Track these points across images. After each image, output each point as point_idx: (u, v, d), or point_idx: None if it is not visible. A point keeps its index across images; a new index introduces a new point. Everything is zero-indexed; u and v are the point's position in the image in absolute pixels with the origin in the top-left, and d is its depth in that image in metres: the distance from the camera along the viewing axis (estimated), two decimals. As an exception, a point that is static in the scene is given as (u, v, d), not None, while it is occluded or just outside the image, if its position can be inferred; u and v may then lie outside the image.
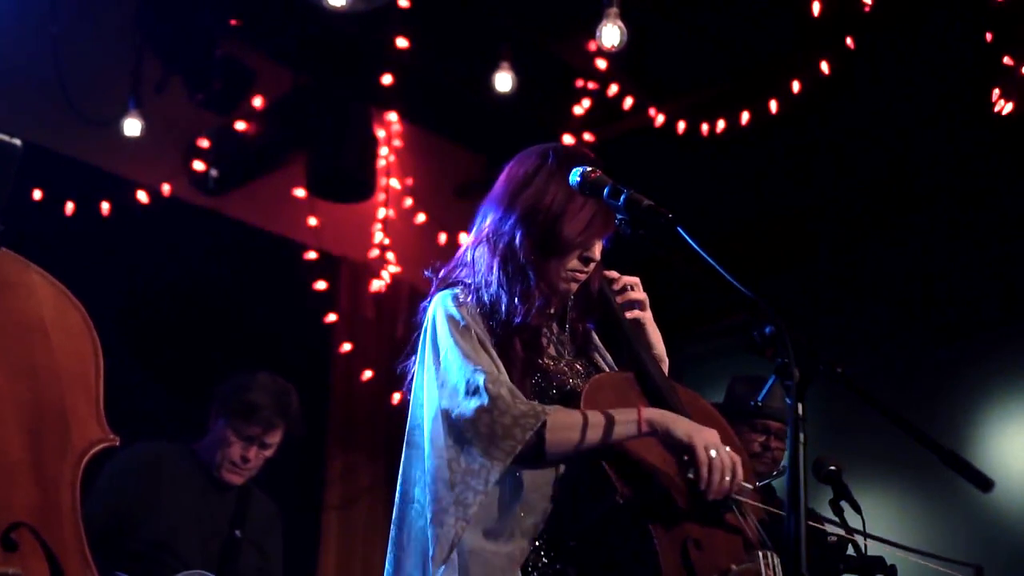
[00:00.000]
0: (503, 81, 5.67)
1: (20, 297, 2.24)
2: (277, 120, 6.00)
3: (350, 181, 6.18)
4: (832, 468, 3.72)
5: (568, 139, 5.93)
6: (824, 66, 5.52)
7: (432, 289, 2.51)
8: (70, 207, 5.48)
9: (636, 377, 2.49)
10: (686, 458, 2.26)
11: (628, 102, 5.98)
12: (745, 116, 5.85)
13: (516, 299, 2.38)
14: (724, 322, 6.88)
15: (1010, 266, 6.24)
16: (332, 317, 6.31)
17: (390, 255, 6.35)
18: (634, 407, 2.35)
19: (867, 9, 5.25)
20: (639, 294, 2.63)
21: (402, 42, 5.66)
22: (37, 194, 5.26)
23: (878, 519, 3.76)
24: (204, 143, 5.85)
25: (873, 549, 3.50)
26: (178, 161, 5.85)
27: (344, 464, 6.42)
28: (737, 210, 6.58)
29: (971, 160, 6.07)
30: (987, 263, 6.36)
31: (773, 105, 5.72)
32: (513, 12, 5.70)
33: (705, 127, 5.94)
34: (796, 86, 5.63)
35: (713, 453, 2.24)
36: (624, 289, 2.62)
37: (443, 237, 6.31)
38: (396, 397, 5.50)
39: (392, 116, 6.47)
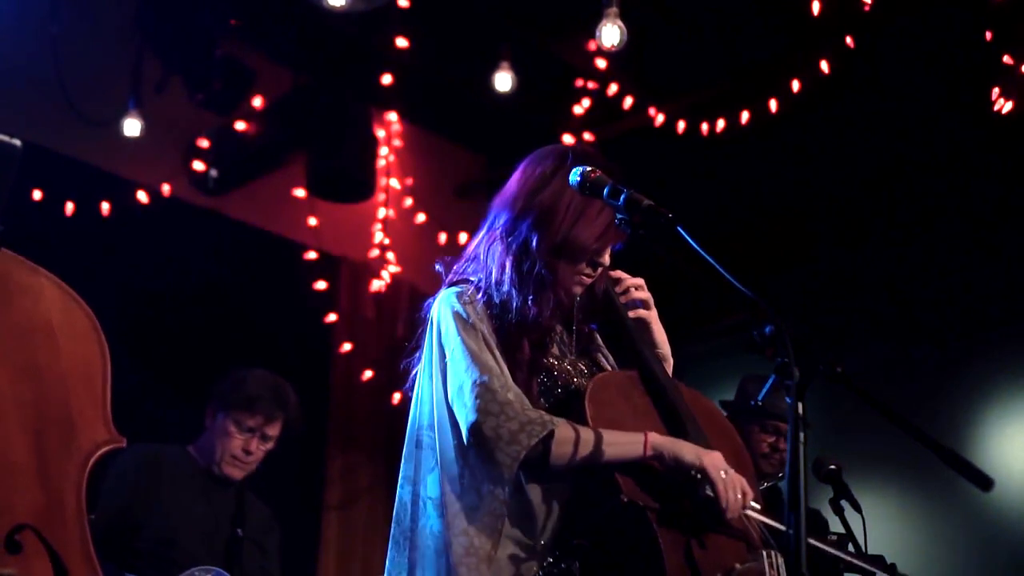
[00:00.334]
0: (503, 81, 5.67)
1: (28, 301, 2.25)
2: (277, 120, 6.00)
3: (350, 181, 6.18)
4: (832, 467, 3.72)
5: (568, 139, 5.93)
6: (824, 66, 5.52)
7: (443, 285, 2.50)
8: (70, 207, 5.48)
9: (639, 376, 2.49)
10: (699, 477, 2.28)
11: (628, 102, 5.98)
12: (745, 116, 5.85)
13: (529, 300, 2.39)
14: (724, 322, 6.88)
15: (1010, 266, 6.24)
16: (332, 317, 6.31)
17: (390, 255, 6.35)
18: (639, 409, 2.37)
19: (867, 8, 5.25)
20: (643, 294, 2.63)
21: (402, 42, 5.65)
22: (37, 194, 5.26)
23: (878, 518, 3.77)
24: (204, 143, 5.85)
25: (873, 549, 3.50)
26: (178, 161, 5.85)
27: (344, 464, 6.42)
28: (737, 210, 6.58)
29: (971, 160, 6.06)
30: (987, 263, 6.36)
31: (773, 105, 5.72)
32: (513, 12, 5.70)
33: (705, 127, 5.94)
34: (796, 86, 5.63)
35: (723, 474, 2.27)
36: (628, 290, 2.63)
37: (443, 237, 6.31)
38: (396, 397, 5.51)
39: (392, 116, 6.47)
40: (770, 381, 2.10)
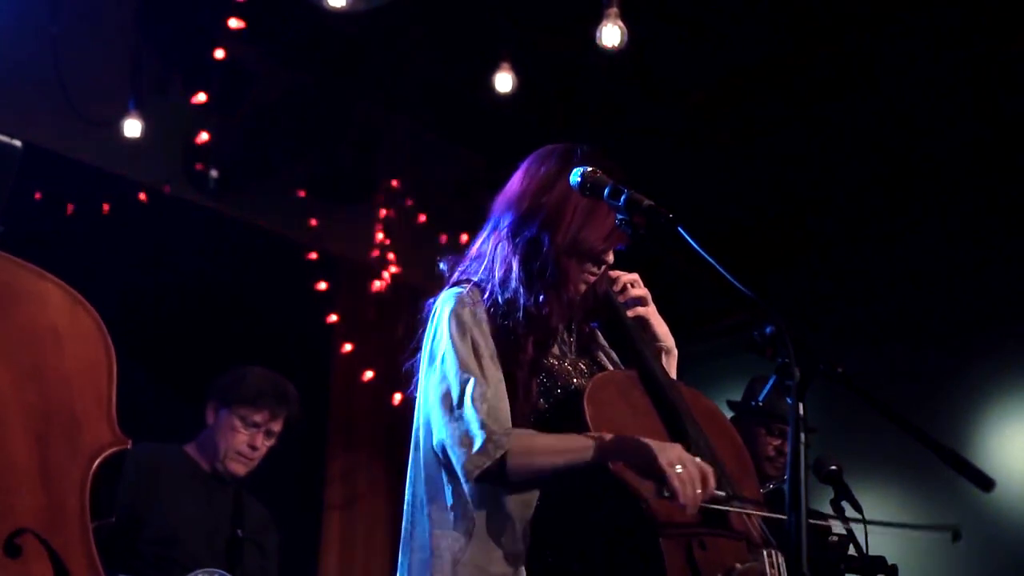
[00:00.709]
0: (503, 81, 5.67)
1: (34, 307, 2.26)
2: (277, 120, 6.00)
3: (350, 181, 6.18)
4: (833, 468, 3.72)
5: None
6: (824, 66, 5.52)
7: (445, 284, 2.50)
8: (70, 208, 5.48)
9: (639, 376, 2.49)
10: (656, 474, 2.21)
11: (629, 102, 5.99)
12: (745, 116, 5.85)
13: (540, 299, 2.39)
14: (724, 322, 6.89)
15: (1010, 266, 6.25)
16: (333, 317, 6.31)
17: (390, 255, 6.35)
18: (638, 408, 2.38)
19: (868, 9, 5.26)
20: (640, 290, 2.63)
21: (402, 42, 5.65)
22: (38, 195, 5.26)
23: (879, 518, 3.76)
24: (204, 143, 5.84)
25: (874, 548, 3.50)
26: (178, 161, 5.84)
27: (345, 464, 6.42)
28: (737, 210, 6.59)
29: (971, 160, 6.07)
30: (987, 263, 6.37)
31: (773, 105, 5.72)
32: (513, 12, 5.69)
33: (706, 127, 5.94)
34: (796, 85, 5.64)
35: (679, 468, 2.17)
36: (625, 288, 2.62)
37: (443, 237, 6.31)
38: (397, 397, 5.51)
39: (392, 116, 6.47)
40: (771, 381, 2.10)
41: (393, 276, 6.34)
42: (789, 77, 5.70)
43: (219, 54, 5.58)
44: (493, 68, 5.68)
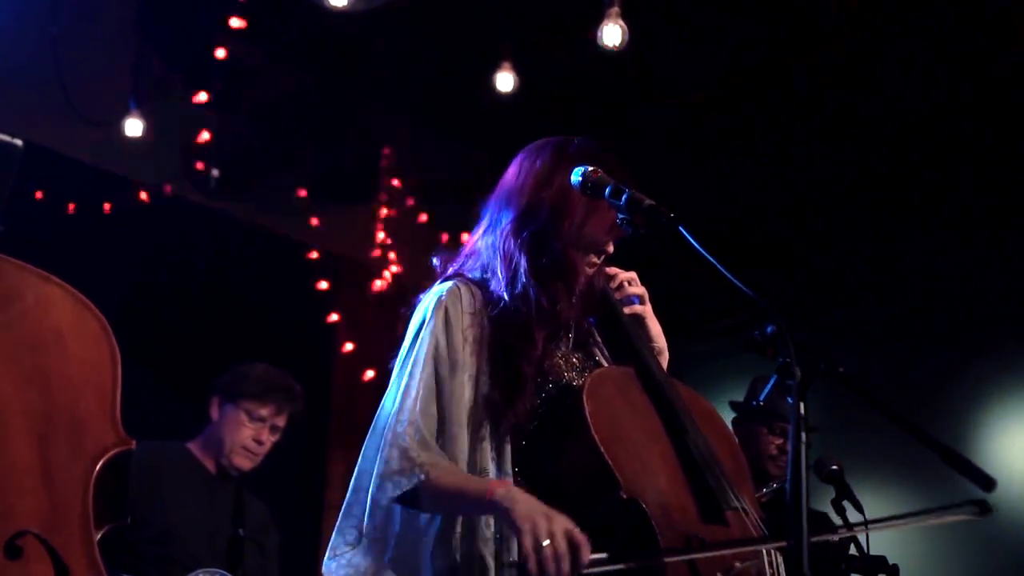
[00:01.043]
0: (504, 81, 5.67)
1: (39, 311, 2.26)
2: (278, 120, 6.00)
3: (351, 181, 6.18)
4: (834, 468, 3.73)
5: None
6: (824, 65, 5.52)
7: (437, 279, 2.50)
8: (71, 207, 5.48)
9: (636, 373, 2.49)
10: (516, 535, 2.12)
11: (629, 101, 5.99)
12: (746, 116, 5.85)
13: (552, 294, 2.39)
14: (725, 322, 6.89)
15: (1010, 266, 6.25)
16: (334, 317, 6.31)
17: (391, 255, 6.35)
18: (636, 406, 2.37)
19: (868, 7, 5.26)
20: (637, 288, 2.63)
21: (403, 42, 5.66)
22: (39, 194, 5.27)
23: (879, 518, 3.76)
24: (205, 143, 5.85)
25: (875, 549, 3.50)
26: (179, 161, 5.85)
27: (346, 464, 6.40)
28: (738, 209, 6.59)
29: (972, 159, 6.07)
30: (987, 263, 6.37)
31: (774, 104, 5.73)
32: (514, 11, 5.70)
33: (706, 126, 5.94)
34: (797, 85, 5.64)
35: (546, 542, 2.03)
36: (622, 285, 2.63)
37: (444, 236, 6.31)
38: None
39: (393, 116, 6.47)
40: (772, 381, 2.09)
41: (394, 275, 6.34)
42: (789, 77, 5.70)
43: (220, 54, 5.59)
44: (494, 68, 5.68)
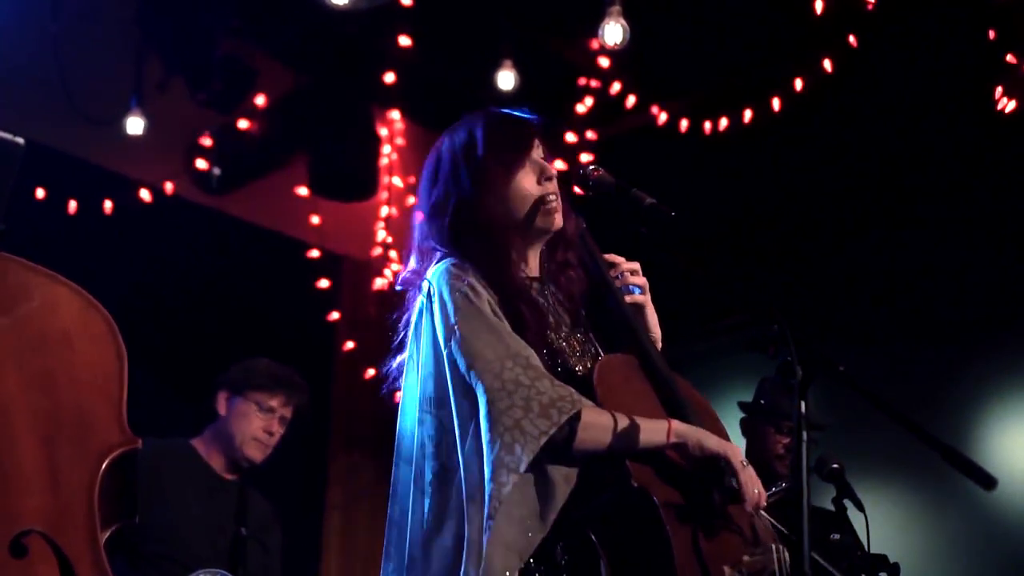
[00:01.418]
0: (505, 80, 5.67)
1: (45, 310, 2.26)
2: (279, 119, 6.00)
3: (352, 179, 6.18)
4: (835, 466, 3.73)
5: (571, 137, 5.94)
6: (826, 64, 5.52)
7: (427, 279, 2.49)
8: (73, 206, 5.49)
9: (638, 361, 2.50)
10: (724, 466, 2.27)
11: (631, 100, 5.98)
12: (747, 114, 5.85)
13: (510, 256, 2.41)
14: (724, 322, 6.87)
15: (1010, 266, 6.24)
16: (335, 316, 6.31)
17: (392, 253, 6.35)
18: (639, 393, 2.37)
19: (869, 7, 5.25)
20: (640, 279, 2.64)
21: (404, 40, 5.66)
22: (40, 193, 5.27)
23: (881, 517, 3.77)
24: (206, 142, 5.85)
25: (876, 548, 3.51)
26: (180, 160, 5.85)
27: (346, 463, 6.42)
28: (738, 209, 6.58)
29: (973, 159, 6.06)
30: (987, 263, 6.36)
31: (775, 103, 5.72)
32: (515, 10, 5.70)
33: (708, 125, 5.94)
34: (798, 84, 5.63)
35: (744, 465, 2.26)
36: (624, 274, 2.64)
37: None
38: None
39: (394, 114, 6.47)
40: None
41: (395, 274, 6.33)
42: (789, 77, 5.69)
43: (221, 52, 5.59)
44: (495, 67, 5.68)
